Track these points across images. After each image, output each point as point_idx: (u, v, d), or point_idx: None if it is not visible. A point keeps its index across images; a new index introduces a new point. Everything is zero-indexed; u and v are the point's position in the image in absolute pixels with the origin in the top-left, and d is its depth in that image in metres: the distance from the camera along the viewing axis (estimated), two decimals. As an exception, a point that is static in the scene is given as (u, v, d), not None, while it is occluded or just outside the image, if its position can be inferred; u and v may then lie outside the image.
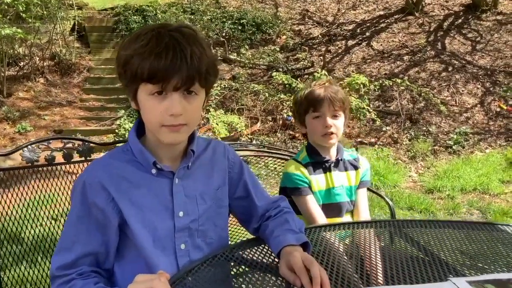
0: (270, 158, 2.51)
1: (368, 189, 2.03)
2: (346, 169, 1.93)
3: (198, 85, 1.12)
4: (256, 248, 1.31)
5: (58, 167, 1.84)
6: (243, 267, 1.25)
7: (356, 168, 1.95)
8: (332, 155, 1.91)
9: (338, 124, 1.85)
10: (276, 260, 1.21)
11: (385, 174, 5.14)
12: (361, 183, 1.96)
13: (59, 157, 1.85)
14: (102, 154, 1.19)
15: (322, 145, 1.89)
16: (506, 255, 1.33)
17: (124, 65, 1.11)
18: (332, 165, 1.89)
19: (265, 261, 1.25)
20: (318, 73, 7.16)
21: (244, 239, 1.58)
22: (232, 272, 1.22)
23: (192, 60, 1.07)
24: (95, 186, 1.15)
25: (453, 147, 6.21)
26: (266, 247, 1.30)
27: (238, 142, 6.09)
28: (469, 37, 9.07)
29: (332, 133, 1.83)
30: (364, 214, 1.93)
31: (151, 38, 1.09)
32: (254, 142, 6.75)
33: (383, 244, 1.45)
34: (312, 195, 1.81)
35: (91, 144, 1.92)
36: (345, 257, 1.31)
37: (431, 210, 4.28)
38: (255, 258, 1.27)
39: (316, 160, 1.88)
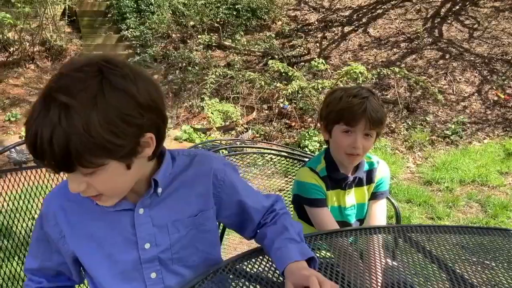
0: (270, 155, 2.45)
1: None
2: (361, 185, 1.80)
3: (84, 169, 0.92)
4: (256, 259, 1.22)
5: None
6: (243, 281, 1.17)
7: (371, 181, 1.82)
8: (351, 171, 1.77)
9: (367, 145, 1.67)
10: (277, 272, 1.14)
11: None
12: (376, 195, 1.83)
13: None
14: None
15: (343, 163, 1.74)
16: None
17: None
18: (348, 183, 1.76)
19: (265, 273, 1.17)
20: (315, 61, 7.04)
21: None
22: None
23: (52, 149, 0.86)
24: (50, 218, 1.11)
25: (451, 137, 6.15)
26: (266, 258, 1.22)
27: (237, 139, 6.01)
28: (466, 24, 8.97)
29: (358, 154, 1.67)
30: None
31: (35, 103, 0.91)
32: (249, 131, 6.66)
33: (389, 250, 1.38)
34: (328, 208, 1.71)
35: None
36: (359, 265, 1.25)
37: (430, 203, 4.22)
38: (255, 271, 1.20)
39: (334, 177, 1.74)
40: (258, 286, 1.13)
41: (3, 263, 1.66)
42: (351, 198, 1.78)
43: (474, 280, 1.20)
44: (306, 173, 1.73)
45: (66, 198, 1.09)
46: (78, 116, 0.86)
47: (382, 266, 1.24)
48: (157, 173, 1.09)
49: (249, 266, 1.19)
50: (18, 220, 1.73)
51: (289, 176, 2.50)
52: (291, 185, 2.40)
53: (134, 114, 0.93)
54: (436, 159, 5.54)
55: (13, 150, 1.68)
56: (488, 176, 4.83)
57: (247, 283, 1.13)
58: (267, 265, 1.19)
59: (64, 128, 0.85)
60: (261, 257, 1.22)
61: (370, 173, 1.81)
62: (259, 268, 1.19)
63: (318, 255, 1.35)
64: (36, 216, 1.71)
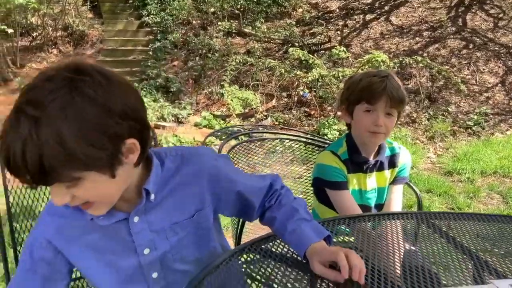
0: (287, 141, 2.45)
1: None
2: (382, 169, 1.80)
3: (60, 183, 0.89)
4: (269, 243, 1.24)
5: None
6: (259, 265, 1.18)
7: (394, 166, 1.82)
8: (373, 154, 1.77)
9: (389, 124, 1.67)
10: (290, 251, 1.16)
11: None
12: (396, 180, 1.84)
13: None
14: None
15: (365, 143, 1.74)
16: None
17: None
18: (370, 167, 1.77)
19: (278, 252, 1.19)
20: (336, 49, 6.99)
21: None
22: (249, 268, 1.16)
23: (24, 164, 0.83)
24: (43, 244, 1.10)
25: (473, 128, 6.07)
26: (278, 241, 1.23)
27: (257, 124, 6.02)
28: (491, 13, 8.80)
29: (380, 132, 1.67)
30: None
31: (7, 117, 0.86)
32: (269, 119, 6.66)
33: (410, 235, 1.38)
34: (349, 191, 1.72)
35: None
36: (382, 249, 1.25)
37: (451, 194, 4.19)
38: (268, 251, 1.21)
39: (355, 159, 1.74)
40: (282, 266, 1.15)
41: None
42: (372, 181, 1.79)
43: (498, 267, 1.20)
44: (328, 156, 1.74)
45: (59, 215, 1.09)
46: (49, 129, 0.82)
47: (403, 250, 1.24)
48: (147, 182, 1.05)
49: (270, 246, 1.21)
50: (38, 202, 1.72)
51: (308, 164, 2.50)
52: (309, 172, 2.42)
53: (109, 123, 0.88)
54: (457, 149, 5.48)
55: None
56: (510, 167, 4.78)
57: (271, 263, 1.15)
58: (279, 247, 1.20)
59: (35, 142, 0.81)
60: (272, 242, 1.24)
61: (392, 158, 1.82)
62: (270, 246, 1.20)
63: (340, 239, 1.36)
64: None
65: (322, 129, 5.88)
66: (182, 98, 7.60)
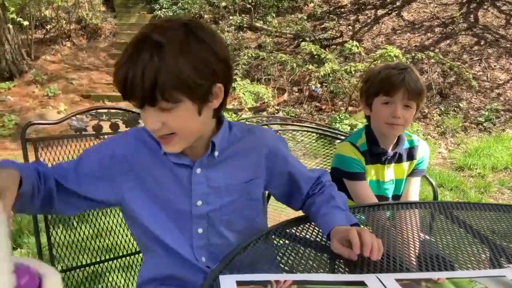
0: (299, 132, 2.49)
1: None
2: (400, 161, 1.84)
3: (165, 102, 1.01)
4: (300, 226, 1.30)
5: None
6: (288, 243, 1.25)
7: (412, 158, 1.86)
8: (392, 146, 1.81)
9: (407, 116, 1.71)
10: (319, 236, 1.22)
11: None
12: (414, 172, 1.89)
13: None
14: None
15: (384, 134, 1.78)
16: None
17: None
18: (388, 158, 1.81)
19: (308, 237, 1.25)
20: (348, 43, 7.02)
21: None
22: (275, 251, 1.22)
23: (144, 78, 0.97)
24: (112, 154, 1.17)
25: (484, 124, 6.10)
26: (308, 225, 1.29)
27: (268, 116, 6.07)
28: (503, 10, 8.78)
29: (398, 124, 1.71)
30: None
31: (125, 49, 1.02)
32: (280, 113, 6.72)
33: (425, 224, 1.44)
34: (367, 182, 1.77)
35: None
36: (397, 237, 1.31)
37: (462, 188, 4.24)
38: (298, 234, 1.26)
39: (374, 151, 1.79)
40: (303, 248, 1.21)
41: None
42: (390, 173, 1.84)
43: None
44: (347, 147, 1.79)
45: (142, 140, 1.18)
46: (169, 54, 0.98)
47: (419, 239, 1.29)
48: (216, 136, 1.17)
49: (298, 230, 1.28)
50: None
51: (319, 157, 2.54)
52: (321, 166, 2.47)
53: (213, 61, 1.04)
54: (468, 145, 5.52)
55: (74, 118, 1.79)
56: (521, 164, 4.82)
57: (296, 245, 1.22)
58: (314, 231, 1.27)
59: (156, 64, 0.97)
60: (307, 224, 1.31)
61: (411, 151, 1.86)
62: (307, 233, 1.27)
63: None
64: None
65: (334, 123, 5.94)
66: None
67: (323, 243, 1.21)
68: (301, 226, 1.29)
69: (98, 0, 9.56)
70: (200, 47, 1.02)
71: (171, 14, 9.27)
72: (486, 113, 6.31)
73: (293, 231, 1.27)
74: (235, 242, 1.23)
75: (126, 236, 1.84)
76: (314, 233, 1.26)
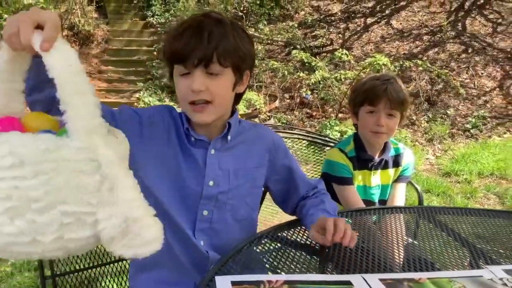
0: (289, 139, 2.55)
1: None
2: (386, 167, 1.93)
3: (218, 65, 1.14)
4: (291, 230, 1.37)
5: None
6: (278, 246, 1.32)
7: (398, 165, 1.94)
8: (378, 153, 1.90)
9: (391, 125, 1.80)
10: (309, 240, 1.30)
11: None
12: (400, 178, 1.97)
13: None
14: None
15: (370, 142, 1.87)
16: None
17: (163, 52, 1.21)
18: (375, 165, 1.89)
19: (298, 240, 1.32)
20: (338, 52, 7.13)
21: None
22: (267, 254, 1.28)
23: (209, 40, 1.12)
24: (155, 121, 1.25)
25: (471, 130, 6.22)
26: (299, 229, 1.37)
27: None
28: (490, 18, 8.93)
29: (382, 132, 1.80)
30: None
31: (181, 24, 1.17)
32: (271, 120, 6.80)
33: (411, 228, 1.52)
34: (354, 186, 1.85)
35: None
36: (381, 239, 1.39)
37: (449, 194, 4.33)
38: (289, 238, 1.34)
39: (361, 157, 1.87)
40: (294, 250, 1.29)
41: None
42: (376, 178, 1.92)
43: (493, 256, 1.33)
44: (336, 153, 1.88)
45: (172, 116, 1.28)
46: (227, 29, 1.16)
47: (404, 243, 1.36)
48: (231, 119, 1.29)
49: (289, 234, 1.35)
50: None
51: (310, 164, 2.61)
52: (311, 172, 2.54)
53: (250, 49, 1.23)
54: (455, 151, 5.62)
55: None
56: (507, 169, 4.91)
57: (287, 248, 1.29)
58: (304, 235, 1.34)
59: (220, 31, 1.14)
60: (298, 228, 1.38)
61: (397, 158, 1.95)
62: (298, 237, 1.34)
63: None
64: None
65: (324, 130, 6.02)
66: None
67: (313, 246, 1.28)
68: (292, 230, 1.36)
69: (91, 6, 9.59)
70: (243, 34, 1.21)
71: (164, 21, 9.33)
72: (473, 120, 6.43)
73: (285, 234, 1.34)
74: (232, 234, 1.31)
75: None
76: (304, 237, 1.33)
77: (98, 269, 1.88)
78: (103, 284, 1.98)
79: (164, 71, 8.13)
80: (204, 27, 1.13)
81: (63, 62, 0.69)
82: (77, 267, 1.80)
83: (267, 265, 1.21)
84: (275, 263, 1.20)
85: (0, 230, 0.65)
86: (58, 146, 0.66)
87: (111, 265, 1.89)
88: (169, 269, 1.28)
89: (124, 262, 1.90)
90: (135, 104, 7.00)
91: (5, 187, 0.64)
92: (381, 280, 1.08)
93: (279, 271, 1.16)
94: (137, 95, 7.34)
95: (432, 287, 1.08)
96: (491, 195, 4.39)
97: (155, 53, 8.87)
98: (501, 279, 1.14)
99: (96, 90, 5.84)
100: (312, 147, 2.62)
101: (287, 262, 1.19)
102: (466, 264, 1.29)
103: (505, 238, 1.46)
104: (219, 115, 1.22)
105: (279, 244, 1.31)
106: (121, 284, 1.97)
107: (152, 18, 9.50)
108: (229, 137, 1.28)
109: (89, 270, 1.88)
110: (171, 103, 7.28)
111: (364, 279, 1.08)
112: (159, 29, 9.34)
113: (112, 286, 1.95)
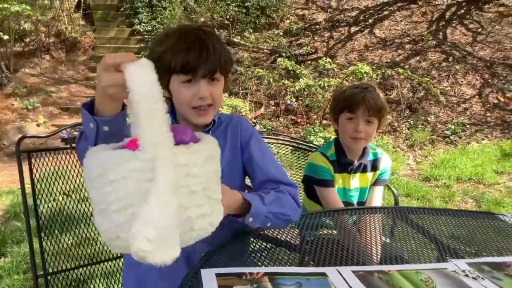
0: (274, 144, 2.62)
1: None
2: (365, 171, 2.03)
3: (219, 73, 1.31)
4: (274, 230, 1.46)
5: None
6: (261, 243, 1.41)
7: (375, 169, 2.04)
8: (357, 157, 1.99)
9: (369, 131, 1.90)
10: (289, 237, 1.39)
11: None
12: (378, 181, 2.07)
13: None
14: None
15: (349, 147, 1.96)
16: (496, 241, 1.51)
17: (158, 60, 1.27)
18: (354, 168, 1.99)
19: (279, 237, 1.41)
20: (322, 60, 7.27)
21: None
22: (250, 249, 1.37)
23: (214, 53, 1.26)
24: None
25: (451, 137, 6.39)
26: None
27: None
28: (470, 28, 9.16)
29: (361, 138, 1.90)
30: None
31: (179, 37, 1.28)
32: (257, 126, 6.90)
33: (387, 228, 1.62)
34: (335, 189, 1.96)
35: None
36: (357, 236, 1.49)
37: (428, 198, 4.46)
38: (270, 235, 1.42)
39: (341, 161, 1.97)
40: (275, 247, 1.38)
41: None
42: (356, 181, 2.03)
43: (458, 251, 1.44)
44: (318, 157, 1.98)
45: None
46: (220, 38, 1.35)
47: (380, 242, 1.45)
48: (216, 115, 1.43)
49: (270, 232, 1.44)
50: (40, 201, 1.83)
51: (294, 169, 2.69)
52: (296, 177, 2.63)
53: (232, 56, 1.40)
54: (435, 157, 5.78)
55: (64, 131, 1.94)
56: (484, 174, 5.07)
57: (268, 245, 1.39)
58: (284, 233, 1.44)
59: (220, 44, 1.31)
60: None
61: (375, 162, 2.06)
62: (278, 235, 1.44)
63: (325, 232, 1.59)
64: (56, 198, 1.91)
65: (308, 136, 6.14)
66: (173, 105, 7.79)
67: (292, 242, 1.38)
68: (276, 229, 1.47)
69: (77, 14, 9.63)
70: (225, 45, 1.37)
71: (150, 28, 9.40)
72: (453, 126, 6.61)
73: (266, 233, 1.44)
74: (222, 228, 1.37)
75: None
76: (284, 234, 1.43)
77: (89, 268, 1.96)
78: (94, 282, 2.05)
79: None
80: (207, 41, 1.27)
81: (142, 85, 0.81)
82: (69, 266, 1.89)
83: (249, 260, 1.29)
84: (257, 258, 1.29)
85: (99, 229, 0.82)
86: (128, 159, 0.79)
87: (102, 264, 1.96)
88: None
89: (115, 261, 1.98)
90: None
91: (96, 193, 0.81)
92: (353, 272, 1.17)
93: (260, 264, 1.26)
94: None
95: (400, 278, 1.17)
96: (469, 199, 4.53)
97: (142, 60, 8.91)
98: (463, 270, 1.23)
99: (83, 97, 5.90)
100: (297, 152, 2.69)
101: (268, 257, 1.29)
102: (433, 258, 1.40)
103: (469, 236, 1.58)
104: (216, 113, 1.39)
105: (261, 241, 1.40)
106: (112, 282, 2.05)
107: (139, 26, 9.57)
108: (210, 133, 1.41)
109: (81, 269, 1.96)
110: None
111: (338, 271, 1.18)
112: (145, 36, 9.40)
113: (103, 284, 2.03)
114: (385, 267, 1.25)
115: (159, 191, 0.75)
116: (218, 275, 1.10)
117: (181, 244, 0.81)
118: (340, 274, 1.16)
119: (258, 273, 1.13)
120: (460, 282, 1.16)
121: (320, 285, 1.11)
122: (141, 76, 0.81)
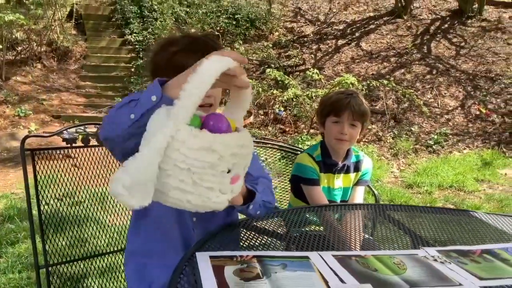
0: (262, 149, 2.74)
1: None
2: (348, 172, 2.17)
3: None
4: (264, 221, 1.58)
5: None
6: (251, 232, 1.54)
7: (358, 170, 2.19)
8: (342, 159, 2.13)
9: (353, 133, 2.04)
10: (276, 228, 1.52)
11: (369, 170, 5.47)
12: (359, 182, 2.21)
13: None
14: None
15: (334, 149, 2.10)
16: (466, 233, 1.66)
17: (167, 63, 1.39)
18: (338, 169, 2.13)
19: (267, 228, 1.51)
20: (310, 71, 7.46)
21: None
22: (240, 238, 1.48)
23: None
24: None
25: (433, 146, 6.59)
26: (271, 220, 1.59)
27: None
28: (454, 42, 9.42)
29: (345, 140, 2.04)
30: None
31: (189, 42, 1.40)
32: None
33: (367, 223, 1.77)
34: (320, 187, 2.10)
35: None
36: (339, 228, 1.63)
37: (410, 203, 4.62)
38: (259, 226, 1.53)
39: (326, 162, 2.10)
40: (263, 235, 1.51)
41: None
42: (339, 181, 2.18)
43: (430, 241, 1.58)
44: (305, 157, 2.12)
45: None
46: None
47: (361, 236, 1.58)
48: None
49: (259, 223, 1.58)
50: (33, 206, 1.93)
51: (282, 176, 2.78)
52: (283, 184, 2.76)
53: None
54: (418, 165, 5.96)
55: (65, 132, 2.06)
56: (465, 182, 5.26)
57: (257, 233, 1.52)
58: (272, 223, 1.58)
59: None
60: (270, 219, 1.61)
61: (357, 164, 2.21)
62: (266, 225, 1.57)
63: (312, 228, 1.72)
64: (48, 202, 2.01)
65: (296, 144, 6.29)
66: (164, 113, 7.90)
67: (279, 232, 1.52)
68: (265, 220, 1.58)
69: (69, 23, 9.73)
70: None
71: (141, 39, 9.53)
72: (436, 136, 6.80)
73: (255, 224, 1.57)
74: (218, 218, 1.50)
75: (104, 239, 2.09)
76: (272, 225, 1.57)
77: (89, 261, 2.06)
78: (93, 276, 2.15)
79: (142, 87, 8.32)
80: (217, 47, 1.39)
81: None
82: (69, 258, 1.99)
83: (239, 246, 1.42)
84: (246, 244, 1.42)
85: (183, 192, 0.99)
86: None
87: (103, 256, 2.08)
88: (161, 243, 1.49)
89: (115, 254, 2.09)
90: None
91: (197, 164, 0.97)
92: (333, 256, 1.31)
93: (249, 249, 1.39)
94: (115, 110, 7.50)
95: (375, 261, 1.31)
96: (449, 205, 4.70)
97: (132, 69, 9.04)
98: (432, 256, 1.37)
99: (74, 105, 5.99)
100: (285, 160, 2.81)
101: (257, 243, 1.42)
102: (406, 247, 1.53)
103: (441, 228, 1.72)
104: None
105: (251, 231, 1.53)
106: (111, 276, 2.15)
107: (130, 36, 9.69)
108: None
109: (81, 261, 2.06)
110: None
111: (320, 255, 1.31)
112: (136, 46, 9.52)
113: (102, 279, 2.13)
114: (362, 253, 1.39)
115: (147, 150, 0.92)
116: (211, 257, 1.23)
117: (158, 199, 0.99)
118: (322, 257, 1.29)
119: (247, 255, 1.26)
120: (429, 266, 1.28)
121: (303, 266, 1.24)
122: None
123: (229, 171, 1.04)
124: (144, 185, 0.91)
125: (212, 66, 0.96)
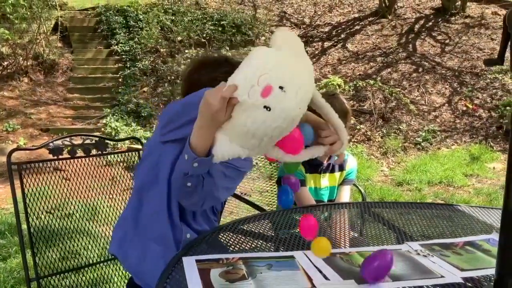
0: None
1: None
2: (333, 171, 2.22)
3: None
4: (250, 223, 1.63)
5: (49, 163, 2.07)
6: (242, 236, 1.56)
7: (342, 169, 2.24)
8: (326, 158, 2.17)
9: None
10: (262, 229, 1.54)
11: (359, 169, 5.51)
12: (345, 181, 2.26)
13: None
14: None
15: None
16: (449, 226, 1.69)
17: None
18: (323, 169, 2.18)
19: (253, 230, 1.57)
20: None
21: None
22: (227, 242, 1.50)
23: None
24: None
25: (422, 143, 6.66)
26: (256, 223, 1.63)
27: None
28: (438, 39, 9.53)
29: None
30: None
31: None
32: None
33: (354, 220, 1.80)
34: (307, 188, 2.14)
35: (106, 141, 2.23)
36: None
37: (400, 201, 4.66)
38: (245, 229, 1.57)
39: (311, 162, 2.14)
40: (249, 238, 1.54)
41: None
42: (325, 181, 2.22)
43: (414, 236, 1.61)
44: None
45: None
46: None
47: (349, 235, 1.62)
48: None
49: (245, 226, 1.60)
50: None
51: (272, 180, 2.81)
52: (273, 186, 2.79)
53: None
54: (407, 163, 6.02)
55: (51, 144, 2.08)
56: (454, 177, 5.32)
57: (245, 238, 1.54)
58: (258, 225, 1.60)
59: None
60: (256, 222, 1.64)
61: (342, 163, 2.26)
62: (253, 228, 1.60)
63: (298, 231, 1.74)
64: (39, 216, 2.02)
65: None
66: (153, 122, 7.93)
67: (265, 234, 1.54)
68: (251, 223, 1.63)
69: (55, 36, 9.72)
70: None
71: (128, 48, 9.54)
72: (424, 133, 6.88)
73: (241, 226, 1.60)
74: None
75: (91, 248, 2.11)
76: (257, 227, 1.59)
77: (79, 272, 2.08)
78: (86, 285, 2.16)
79: (130, 97, 8.32)
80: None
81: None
82: (59, 270, 2.01)
83: (226, 250, 1.45)
84: (232, 247, 1.45)
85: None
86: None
87: (94, 267, 2.09)
88: (157, 244, 1.51)
89: (106, 264, 2.11)
90: (102, 129, 7.16)
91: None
92: (318, 254, 1.34)
93: (236, 252, 1.41)
94: (104, 120, 7.49)
95: (358, 257, 1.34)
96: (439, 200, 4.76)
97: (120, 80, 9.04)
98: (416, 250, 1.40)
99: (62, 118, 5.97)
100: (275, 163, 2.77)
101: (243, 245, 1.45)
102: (390, 242, 1.56)
103: (426, 223, 1.76)
104: None
105: (238, 234, 1.55)
106: (103, 285, 2.17)
107: (116, 46, 9.68)
108: None
109: (72, 273, 2.08)
110: (138, 127, 7.46)
111: (305, 254, 1.34)
112: (123, 56, 9.52)
113: (95, 287, 2.14)
114: (346, 250, 1.42)
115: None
116: (197, 261, 1.25)
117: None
118: (306, 256, 1.32)
119: (233, 258, 1.28)
120: (412, 259, 1.32)
121: (288, 265, 1.27)
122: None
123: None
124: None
125: None
